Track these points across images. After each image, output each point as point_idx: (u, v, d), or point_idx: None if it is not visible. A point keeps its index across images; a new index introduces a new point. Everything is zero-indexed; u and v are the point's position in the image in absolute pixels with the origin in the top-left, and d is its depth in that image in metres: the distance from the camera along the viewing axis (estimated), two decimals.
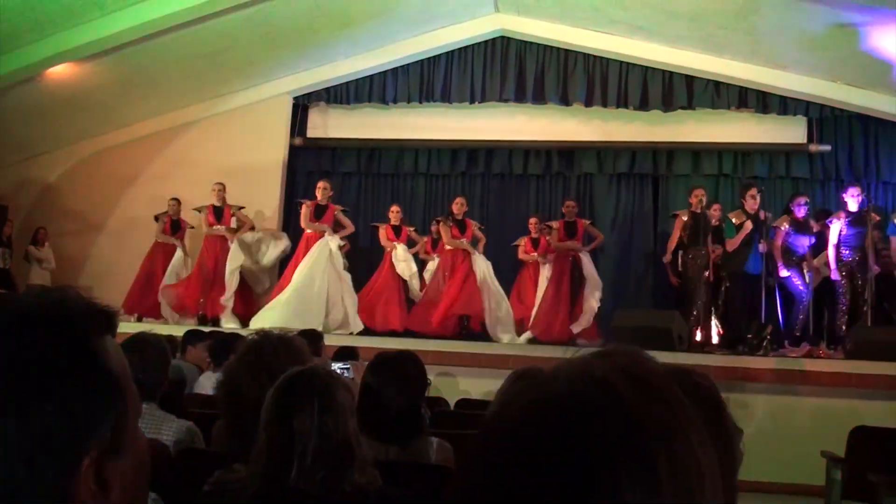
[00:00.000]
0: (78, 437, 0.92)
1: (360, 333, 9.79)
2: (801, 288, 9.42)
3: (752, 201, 9.51)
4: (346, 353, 5.91)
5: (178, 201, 11.20)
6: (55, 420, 0.90)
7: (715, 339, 9.73)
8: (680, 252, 9.95)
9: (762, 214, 9.53)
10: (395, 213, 10.81)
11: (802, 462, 6.80)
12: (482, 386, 7.67)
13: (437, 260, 10.72)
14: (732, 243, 9.50)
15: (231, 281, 10.42)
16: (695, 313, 9.46)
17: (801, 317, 9.42)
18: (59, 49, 9.71)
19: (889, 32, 9.00)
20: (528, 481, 0.70)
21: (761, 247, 9.34)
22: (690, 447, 0.73)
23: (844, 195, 9.57)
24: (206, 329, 7.60)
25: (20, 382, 0.89)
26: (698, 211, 9.68)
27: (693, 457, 0.72)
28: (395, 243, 10.56)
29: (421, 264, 11.00)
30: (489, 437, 0.77)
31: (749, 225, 9.37)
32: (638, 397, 0.73)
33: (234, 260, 10.49)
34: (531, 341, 9.97)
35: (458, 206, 10.50)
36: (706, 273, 9.60)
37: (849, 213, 9.36)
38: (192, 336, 6.60)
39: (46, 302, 0.97)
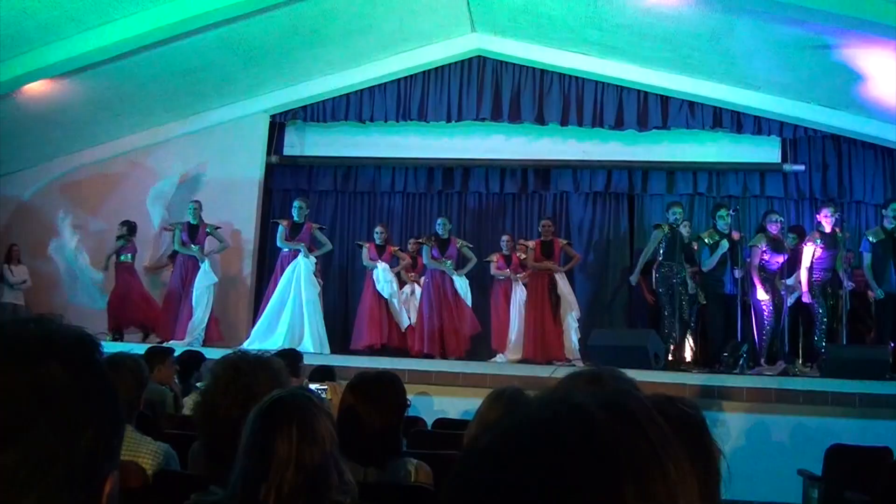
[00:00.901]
0: (107, 459, 0.94)
1: (341, 353, 9.78)
2: (765, 310, 9.41)
3: (722, 221, 9.58)
4: (322, 374, 5.89)
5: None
6: (93, 444, 0.91)
7: (689, 358, 9.77)
8: (653, 268, 9.96)
9: (735, 235, 9.61)
10: (380, 232, 10.81)
11: (779, 481, 6.83)
12: (460, 405, 7.66)
13: (413, 282, 10.81)
14: (709, 264, 9.56)
15: (202, 301, 10.36)
16: (670, 332, 9.48)
17: (766, 337, 9.41)
18: (34, 66, 9.64)
19: (861, 54, 9.12)
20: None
21: (736, 273, 9.42)
22: (665, 476, 0.73)
23: (819, 216, 9.64)
24: (170, 347, 7.38)
25: (63, 408, 0.90)
26: (676, 227, 9.72)
27: (667, 486, 0.73)
28: (377, 262, 10.55)
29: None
30: (467, 462, 0.78)
31: (724, 244, 9.43)
32: (612, 426, 0.74)
33: (206, 278, 10.43)
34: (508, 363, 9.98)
35: (440, 226, 10.57)
36: (681, 289, 9.64)
37: (823, 236, 9.42)
38: (156, 354, 6.32)
39: (62, 329, 0.98)
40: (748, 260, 9.53)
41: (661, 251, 9.68)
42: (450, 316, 10.21)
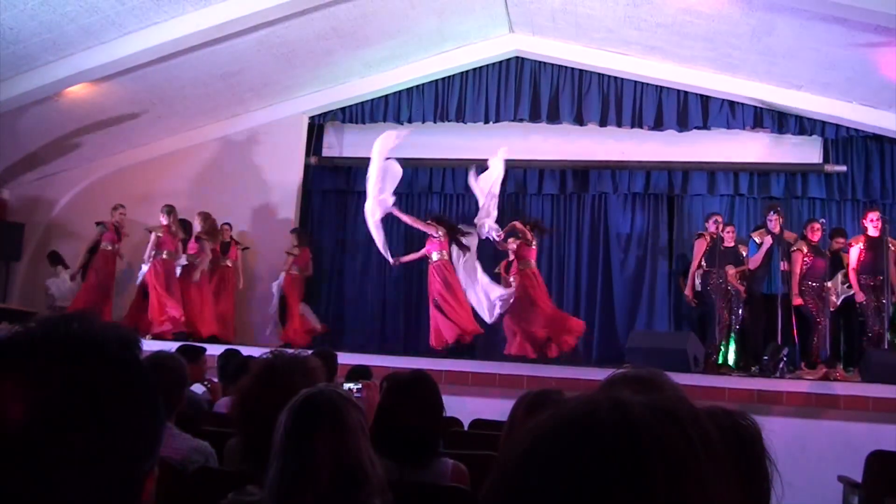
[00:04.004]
0: (149, 456, 0.96)
1: (377, 353, 9.87)
2: (814, 314, 9.34)
3: (773, 222, 9.55)
4: (359, 373, 5.91)
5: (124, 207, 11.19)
6: (135, 441, 0.94)
7: (730, 361, 9.68)
8: (698, 273, 9.91)
9: (786, 234, 9.57)
10: None
11: (819, 487, 6.73)
12: (496, 406, 7.63)
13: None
14: (755, 260, 9.50)
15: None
16: (712, 334, 9.41)
17: (816, 342, 9.32)
18: (75, 70, 9.78)
19: None
20: (540, 499, 0.72)
21: (782, 265, 9.36)
22: (702, 480, 0.72)
23: (865, 220, 9.51)
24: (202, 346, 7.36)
25: (107, 408, 0.91)
26: (716, 235, 9.68)
27: (703, 490, 0.72)
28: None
29: None
30: (505, 456, 0.78)
31: (769, 240, 9.38)
32: (651, 424, 0.74)
33: None
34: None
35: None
36: (724, 293, 9.57)
37: (868, 238, 9.31)
38: (188, 352, 6.28)
39: (102, 328, 0.99)
40: (790, 263, 9.46)
41: (704, 258, 9.68)
42: (450, 307, 10.17)
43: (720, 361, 9.55)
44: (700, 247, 9.89)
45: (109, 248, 10.94)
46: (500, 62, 12.02)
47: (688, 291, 10.18)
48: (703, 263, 9.74)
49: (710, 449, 0.75)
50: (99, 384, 0.91)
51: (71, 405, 0.89)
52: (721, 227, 9.78)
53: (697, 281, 9.86)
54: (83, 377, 0.91)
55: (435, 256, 10.31)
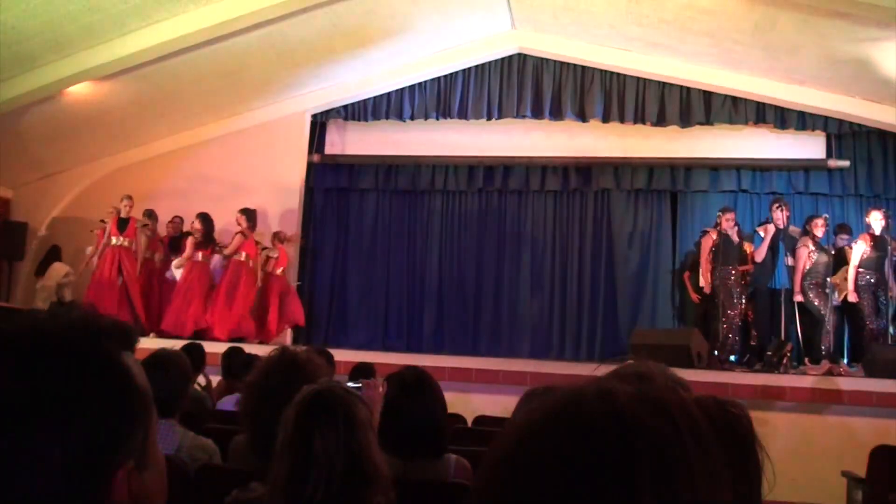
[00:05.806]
0: (112, 451, 0.94)
1: (380, 350, 9.89)
2: (821, 310, 9.36)
3: (777, 214, 9.59)
4: (362, 371, 5.91)
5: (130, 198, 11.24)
6: (90, 435, 0.93)
7: (734, 357, 9.68)
8: (701, 270, 9.93)
9: (791, 228, 9.61)
10: None
11: (822, 482, 6.74)
12: (499, 402, 7.65)
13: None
14: (759, 252, 9.52)
15: None
16: (717, 330, 9.40)
17: (820, 337, 9.33)
18: (77, 69, 9.78)
19: None
20: (527, 488, 0.72)
21: (788, 260, 9.39)
22: (688, 468, 0.72)
23: (868, 218, 9.53)
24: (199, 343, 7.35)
25: (56, 399, 0.92)
26: (725, 232, 9.67)
27: (689, 478, 0.72)
28: None
29: None
30: (495, 442, 0.79)
31: (771, 228, 9.41)
32: (637, 410, 0.74)
33: None
34: None
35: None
36: (732, 289, 9.57)
37: (873, 237, 9.33)
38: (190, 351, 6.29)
39: (71, 321, 0.99)
40: (794, 258, 9.49)
41: (713, 257, 9.68)
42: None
43: (732, 359, 9.56)
44: (707, 244, 9.88)
45: (110, 241, 10.97)
46: (503, 59, 12.01)
47: (706, 289, 10.08)
48: (713, 260, 9.71)
49: (698, 437, 0.75)
50: (47, 380, 0.92)
51: (17, 399, 0.90)
52: (732, 224, 9.78)
53: (700, 277, 9.85)
54: (31, 373, 0.92)
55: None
